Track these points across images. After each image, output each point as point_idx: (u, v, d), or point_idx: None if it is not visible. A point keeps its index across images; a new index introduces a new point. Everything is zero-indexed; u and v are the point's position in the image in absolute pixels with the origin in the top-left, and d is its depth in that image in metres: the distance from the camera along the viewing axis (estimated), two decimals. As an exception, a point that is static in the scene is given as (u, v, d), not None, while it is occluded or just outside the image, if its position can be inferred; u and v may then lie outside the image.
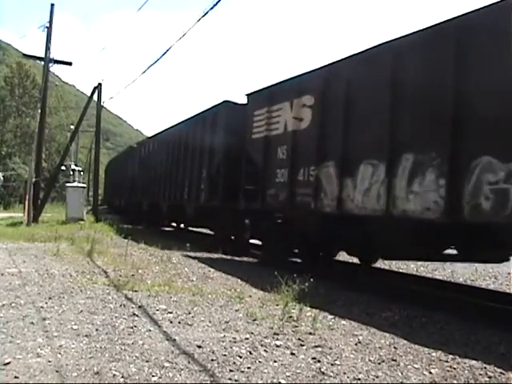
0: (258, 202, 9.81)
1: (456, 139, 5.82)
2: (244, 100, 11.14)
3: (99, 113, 22.87)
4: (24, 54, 25.16)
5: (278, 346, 4.02)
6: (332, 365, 3.64)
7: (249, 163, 10.43)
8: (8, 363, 3.30)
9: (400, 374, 3.53)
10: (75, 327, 4.29)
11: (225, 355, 3.72)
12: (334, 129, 7.96)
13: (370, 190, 7.04)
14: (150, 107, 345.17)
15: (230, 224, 11.68)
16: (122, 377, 3.17)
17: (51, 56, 20.70)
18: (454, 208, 5.76)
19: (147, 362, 3.48)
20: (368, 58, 7.49)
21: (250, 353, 3.81)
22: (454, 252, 7.06)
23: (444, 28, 6.20)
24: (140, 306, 5.23)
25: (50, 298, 5.41)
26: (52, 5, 20.64)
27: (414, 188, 6.30)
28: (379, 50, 7.29)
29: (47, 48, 20.48)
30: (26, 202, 18.90)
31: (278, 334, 4.36)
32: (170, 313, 5.03)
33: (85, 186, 24.47)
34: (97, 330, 4.24)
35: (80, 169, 30.40)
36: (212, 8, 9.15)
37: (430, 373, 3.59)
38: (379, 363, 3.75)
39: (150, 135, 23.01)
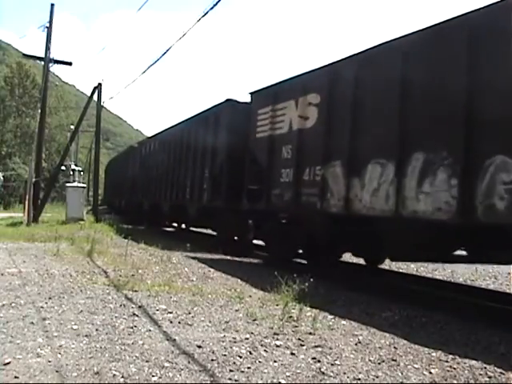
0: (263, 202, 9.70)
1: (469, 138, 5.68)
2: (246, 98, 11.07)
3: (99, 113, 22.87)
4: (24, 54, 25.19)
5: (278, 346, 4.02)
6: (332, 365, 3.64)
7: (253, 163, 10.31)
8: (8, 363, 3.30)
9: (400, 374, 3.53)
10: (75, 327, 4.29)
11: (225, 355, 3.72)
12: (341, 127, 7.83)
13: (378, 190, 6.92)
14: (150, 107, 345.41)
15: (233, 224, 11.60)
16: (122, 377, 3.17)
17: (51, 56, 20.73)
18: (466, 208, 5.62)
19: (147, 361, 3.48)
20: (377, 56, 7.35)
21: (250, 353, 3.81)
22: (463, 253, 6.91)
23: (458, 24, 6.04)
24: (140, 306, 5.23)
25: (50, 298, 5.41)
26: (52, 5, 20.69)
27: (425, 188, 6.16)
28: (388, 47, 7.15)
29: (47, 48, 20.49)
30: (26, 202, 18.90)
31: (277, 334, 4.36)
32: (170, 313, 5.03)
33: (85, 186, 24.47)
34: (97, 330, 4.24)
35: (80, 169, 30.44)
36: (212, 8, 9.17)
37: (430, 373, 3.59)
38: (379, 363, 3.75)
39: (150, 135, 23.01)
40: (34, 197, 19.21)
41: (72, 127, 30.04)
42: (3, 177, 42.34)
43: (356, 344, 4.25)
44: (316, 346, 4.09)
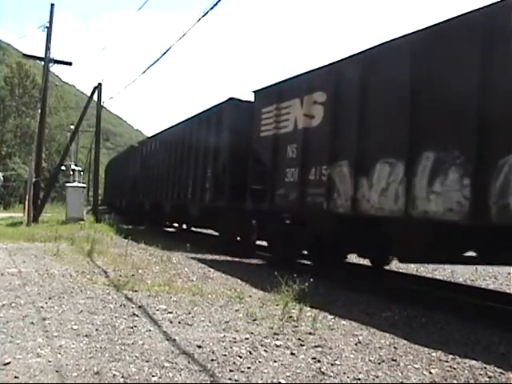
0: (267, 202, 9.57)
1: (482, 137, 5.52)
2: (248, 97, 10.99)
3: (99, 113, 22.88)
4: (24, 54, 25.20)
5: (278, 346, 4.03)
6: (332, 365, 3.64)
7: (256, 162, 10.17)
8: (8, 363, 3.30)
9: (400, 374, 3.53)
10: (75, 327, 4.29)
11: (225, 355, 3.72)
12: (347, 126, 7.65)
13: (387, 190, 6.74)
14: (150, 107, 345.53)
15: (236, 224, 11.50)
16: (122, 377, 3.18)
17: (51, 56, 20.73)
18: (479, 209, 5.45)
19: (147, 361, 3.48)
20: (385, 53, 7.18)
21: (250, 353, 3.81)
22: (473, 254, 6.75)
23: (470, 20, 5.87)
24: (140, 306, 5.23)
25: (50, 298, 5.42)
26: (52, 5, 20.69)
27: (436, 188, 5.98)
28: (397, 44, 6.94)
29: (47, 48, 20.49)
30: (26, 202, 18.91)
31: (278, 334, 4.37)
32: (170, 313, 5.03)
33: (85, 186, 24.48)
34: (97, 329, 4.24)
35: (80, 169, 30.46)
36: (212, 8, 9.15)
37: (430, 373, 3.59)
38: (379, 363, 3.75)
39: (150, 135, 22.97)
40: (34, 197, 19.21)
41: (72, 127, 30.06)
42: (3, 177, 42.37)
43: (356, 344, 4.25)
44: (316, 346, 4.09)
